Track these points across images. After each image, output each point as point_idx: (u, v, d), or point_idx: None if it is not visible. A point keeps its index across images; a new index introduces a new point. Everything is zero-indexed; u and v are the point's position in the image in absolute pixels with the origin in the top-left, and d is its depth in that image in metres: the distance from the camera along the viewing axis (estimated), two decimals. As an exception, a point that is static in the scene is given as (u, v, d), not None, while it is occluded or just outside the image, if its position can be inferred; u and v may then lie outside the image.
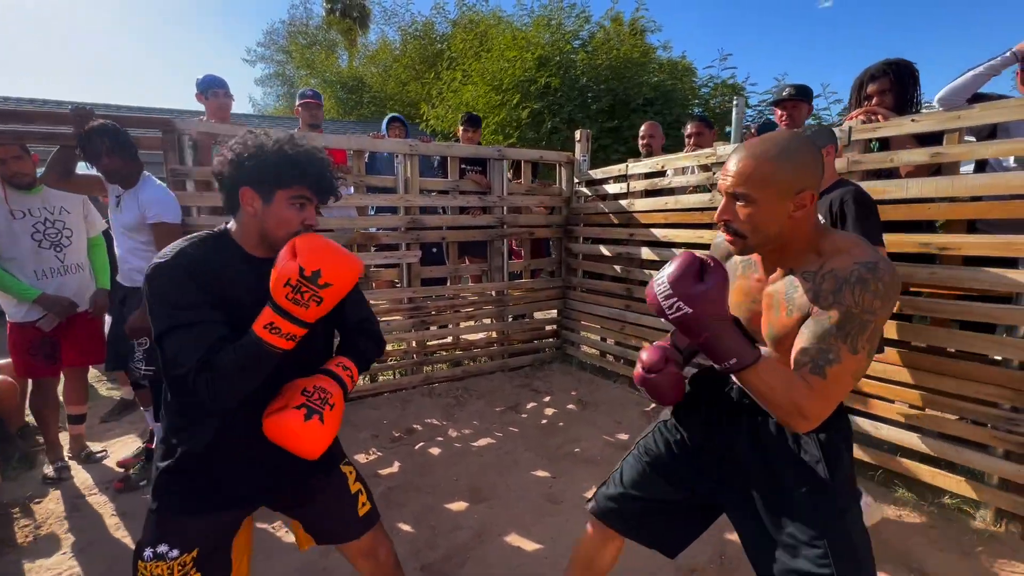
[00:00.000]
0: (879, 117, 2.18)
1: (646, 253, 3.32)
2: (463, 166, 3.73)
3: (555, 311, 4.28)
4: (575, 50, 8.34)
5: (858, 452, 2.29)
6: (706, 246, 2.94)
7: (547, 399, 3.58)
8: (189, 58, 53.04)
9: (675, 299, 0.91)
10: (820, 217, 1.27)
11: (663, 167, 3.19)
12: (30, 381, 2.71)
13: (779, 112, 2.69)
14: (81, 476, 2.56)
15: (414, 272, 3.48)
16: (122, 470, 2.54)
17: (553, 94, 7.80)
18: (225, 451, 1.12)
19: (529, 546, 2.06)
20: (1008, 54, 2.08)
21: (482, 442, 2.98)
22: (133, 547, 1.92)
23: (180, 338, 0.99)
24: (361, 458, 2.78)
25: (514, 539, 2.11)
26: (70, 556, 2.00)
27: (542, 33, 8.68)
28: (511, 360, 4.02)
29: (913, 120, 2.05)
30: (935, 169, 2.09)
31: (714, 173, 2.83)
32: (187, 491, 1.11)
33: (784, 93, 2.64)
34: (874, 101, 2.24)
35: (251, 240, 1.14)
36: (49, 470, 2.50)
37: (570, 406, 3.40)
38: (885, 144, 2.24)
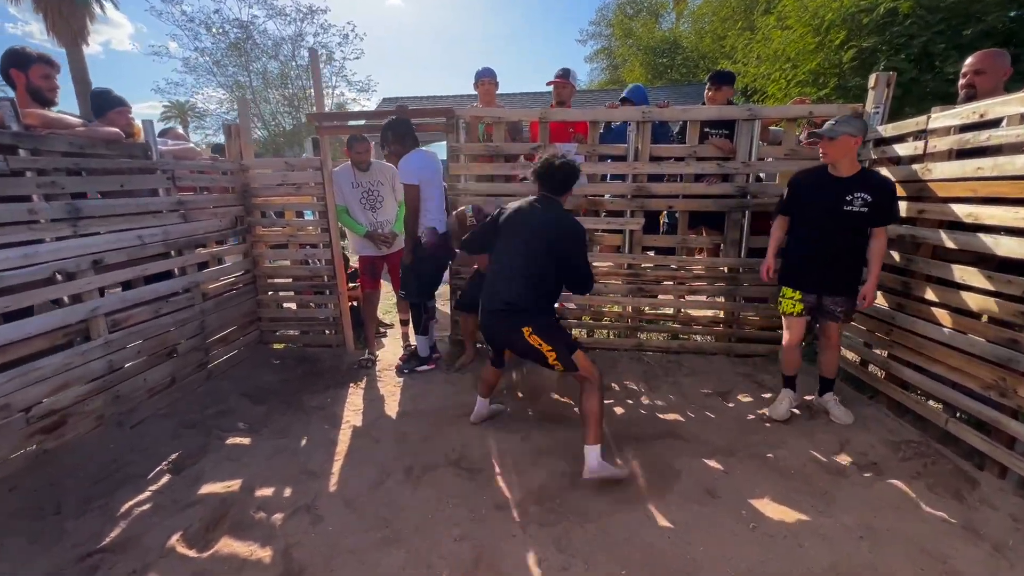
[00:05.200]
0: None
1: (940, 238, 2.43)
2: (705, 130, 3.46)
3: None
4: (952, -50, 5.99)
5: None
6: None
7: (767, 396, 3.16)
8: (537, 46, 62.03)
9: None
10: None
11: (984, 115, 2.21)
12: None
13: None
14: (398, 357, 3.83)
15: (636, 239, 3.54)
16: (400, 362, 3.66)
17: (901, 23, 5.91)
18: None
19: (661, 522, 2.05)
20: None
21: (669, 416, 2.94)
22: (396, 406, 2.90)
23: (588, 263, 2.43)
24: (556, 396, 3.19)
25: (650, 512, 2.12)
26: (363, 403, 3.15)
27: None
28: (738, 345, 3.64)
29: None
30: None
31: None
32: None
33: None
34: None
35: None
36: (365, 356, 3.75)
37: (796, 411, 2.91)
38: None
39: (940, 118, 2.46)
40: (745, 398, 3.15)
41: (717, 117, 3.38)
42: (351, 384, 3.42)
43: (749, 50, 8.68)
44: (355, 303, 4.27)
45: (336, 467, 2.46)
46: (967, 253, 2.31)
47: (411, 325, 3.97)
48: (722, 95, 3.52)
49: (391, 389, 3.36)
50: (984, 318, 2.27)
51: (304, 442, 2.69)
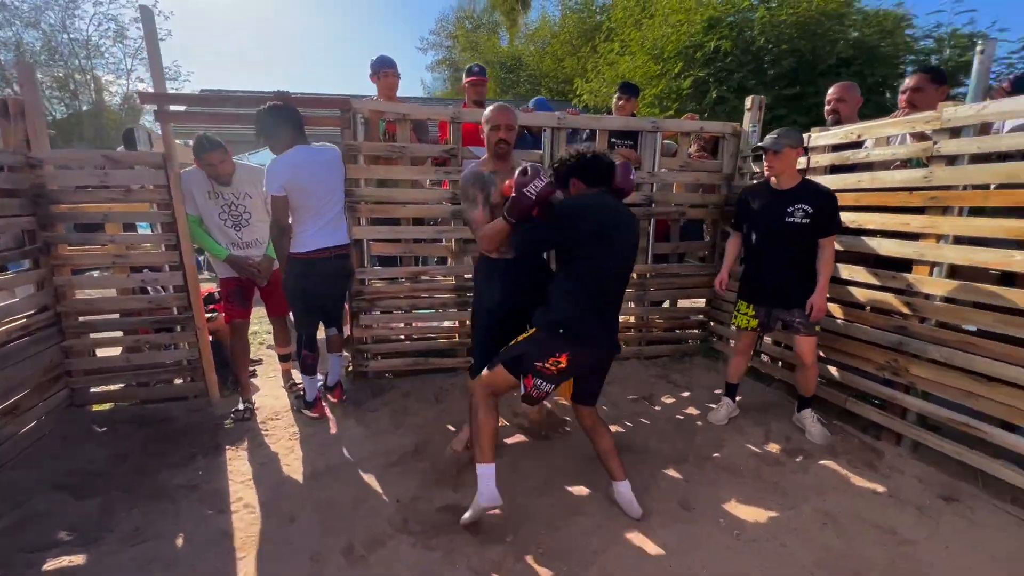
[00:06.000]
0: None
1: (826, 241, 2.79)
2: (612, 140, 3.54)
3: (703, 300, 3.91)
4: (754, 7, 7.33)
5: None
6: (912, 236, 2.36)
7: (686, 395, 3.31)
8: (370, 49, 60.01)
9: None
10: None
11: (860, 137, 2.61)
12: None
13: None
14: (281, 402, 3.09)
15: (553, 249, 3.44)
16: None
17: (722, 59, 6.99)
18: None
19: (655, 549, 1.92)
20: None
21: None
22: (300, 466, 2.26)
23: None
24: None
25: (640, 539, 1.97)
26: (253, 469, 2.44)
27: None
28: (647, 348, 3.79)
29: None
30: None
31: (935, 143, 2.22)
32: None
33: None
34: None
35: None
36: (240, 406, 2.93)
37: (712, 405, 3.08)
38: None
39: (820, 137, 2.84)
40: (668, 399, 3.26)
41: (624, 128, 3.47)
42: (227, 447, 2.62)
43: (597, 72, 9.46)
44: (211, 337, 3.36)
45: (244, 568, 1.81)
46: (851, 253, 2.68)
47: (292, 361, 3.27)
48: (631, 106, 3.64)
49: (287, 444, 2.67)
50: (868, 308, 2.65)
51: (180, 542, 1.94)
